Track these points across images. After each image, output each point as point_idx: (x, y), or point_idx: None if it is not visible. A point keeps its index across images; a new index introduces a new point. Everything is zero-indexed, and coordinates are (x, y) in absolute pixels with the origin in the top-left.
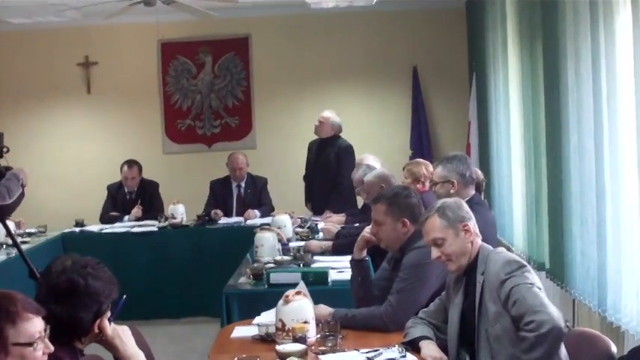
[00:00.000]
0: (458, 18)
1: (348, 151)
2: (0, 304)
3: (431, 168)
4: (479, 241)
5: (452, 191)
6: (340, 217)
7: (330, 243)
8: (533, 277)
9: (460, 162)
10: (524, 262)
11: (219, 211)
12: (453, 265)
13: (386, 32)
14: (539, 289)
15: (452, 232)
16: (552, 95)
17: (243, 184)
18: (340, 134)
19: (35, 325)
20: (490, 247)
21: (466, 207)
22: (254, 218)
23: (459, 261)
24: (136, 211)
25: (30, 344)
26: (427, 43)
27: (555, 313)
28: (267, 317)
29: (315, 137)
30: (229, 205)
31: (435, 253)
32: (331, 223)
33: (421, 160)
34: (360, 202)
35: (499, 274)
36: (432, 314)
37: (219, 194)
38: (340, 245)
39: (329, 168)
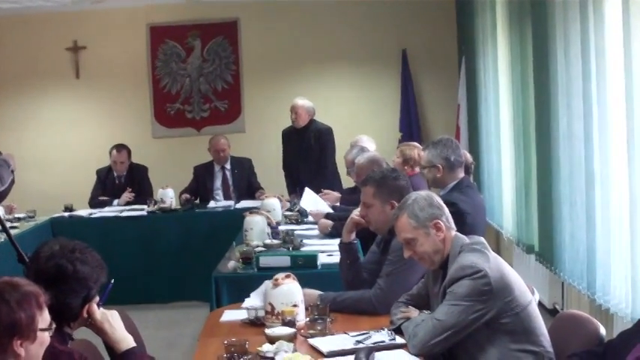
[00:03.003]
0: (447, 1)
1: (328, 132)
2: (30, 291)
3: (422, 153)
4: (453, 233)
5: (438, 175)
6: (336, 195)
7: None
8: (481, 284)
9: (445, 146)
10: (479, 268)
11: (187, 196)
12: (426, 262)
13: (375, 16)
14: (471, 304)
15: (422, 232)
16: (541, 79)
17: (228, 167)
18: (314, 116)
19: (48, 310)
20: (465, 239)
21: (437, 200)
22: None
23: (432, 259)
24: (127, 195)
25: (49, 329)
26: (417, 26)
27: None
28: (256, 298)
29: (287, 126)
30: (210, 188)
31: (407, 252)
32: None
33: (416, 143)
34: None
35: (451, 276)
36: (415, 297)
37: (201, 179)
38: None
39: (312, 153)
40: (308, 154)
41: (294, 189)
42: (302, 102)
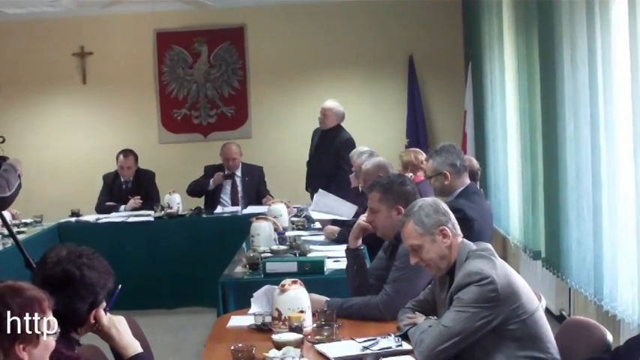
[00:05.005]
0: (454, 7)
1: (348, 144)
2: (33, 296)
3: (421, 156)
4: (459, 240)
5: (446, 183)
6: (334, 228)
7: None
8: (488, 290)
9: (448, 152)
10: (486, 274)
11: (222, 173)
12: (433, 269)
13: (382, 21)
14: (477, 311)
15: (428, 239)
16: (548, 84)
17: (239, 173)
18: (342, 123)
19: (53, 315)
20: (472, 246)
21: (443, 207)
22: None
23: (438, 265)
24: (134, 202)
25: (54, 333)
26: (423, 32)
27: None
28: (259, 298)
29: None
30: (219, 193)
31: (413, 259)
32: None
33: (414, 148)
34: None
35: (458, 282)
36: (422, 303)
37: (210, 178)
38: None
39: (327, 159)
40: (324, 158)
41: (308, 186)
42: (332, 104)
